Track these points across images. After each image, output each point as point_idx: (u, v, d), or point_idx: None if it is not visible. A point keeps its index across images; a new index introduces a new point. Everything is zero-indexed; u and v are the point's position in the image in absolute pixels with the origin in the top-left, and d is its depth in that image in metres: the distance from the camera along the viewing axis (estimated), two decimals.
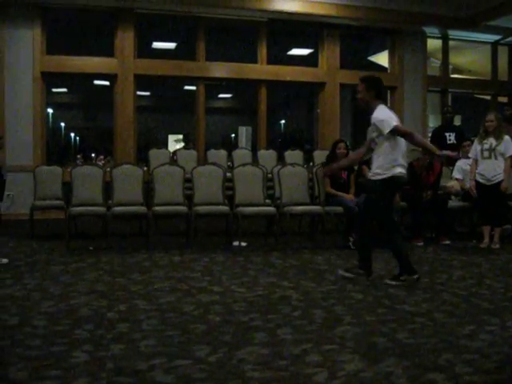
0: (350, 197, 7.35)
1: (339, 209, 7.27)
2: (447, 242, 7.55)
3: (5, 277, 5.41)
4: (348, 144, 7.96)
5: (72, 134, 21.63)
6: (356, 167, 7.86)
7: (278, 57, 12.03)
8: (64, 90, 18.74)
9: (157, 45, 12.77)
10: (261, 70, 10.98)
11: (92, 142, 19.07)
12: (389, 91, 11.65)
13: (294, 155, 9.78)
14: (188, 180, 7.58)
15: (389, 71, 11.82)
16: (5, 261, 5.98)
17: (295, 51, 13.31)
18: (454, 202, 8.06)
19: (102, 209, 7.17)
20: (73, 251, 6.78)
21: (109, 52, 10.34)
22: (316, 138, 11.67)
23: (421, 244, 7.45)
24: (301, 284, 5.18)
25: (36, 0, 9.63)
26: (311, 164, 9.54)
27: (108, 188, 7.45)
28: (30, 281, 5.27)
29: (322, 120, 11.38)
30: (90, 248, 6.97)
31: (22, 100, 9.80)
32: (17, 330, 3.80)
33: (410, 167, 7.95)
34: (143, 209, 7.17)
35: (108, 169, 7.93)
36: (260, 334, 3.70)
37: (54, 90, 17.37)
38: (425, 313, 4.22)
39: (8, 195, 9.52)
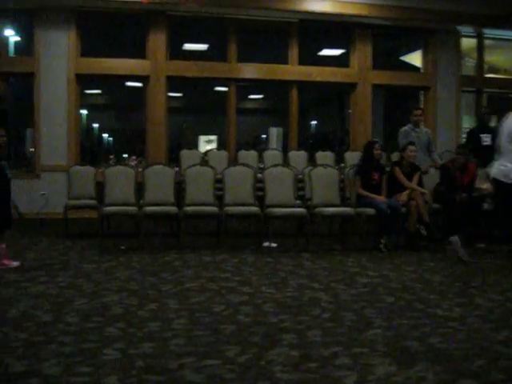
0: (382, 198, 7.28)
1: (371, 210, 7.20)
2: (482, 245, 7.40)
3: (39, 274, 5.51)
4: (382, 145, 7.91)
5: (105, 135, 21.90)
6: (388, 168, 7.79)
7: (309, 57, 11.97)
8: (98, 91, 19.00)
9: (188, 46, 12.83)
10: (292, 70, 10.96)
11: (125, 143, 19.26)
12: (422, 91, 11.51)
13: (324, 156, 9.73)
14: (219, 181, 7.61)
15: (422, 71, 11.68)
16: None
17: (326, 51, 13.23)
18: (488, 204, 7.90)
19: (133, 208, 7.24)
20: (105, 250, 6.87)
21: (141, 54, 10.44)
22: (347, 138, 11.59)
23: (453, 248, 7.30)
24: (331, 286, 5.15)
25: (71, 4, 9.79)
26: (342, 165, 9.48)
27: (140, 188, 7.52)
28: (63, 278, 5.36)
29: (353, 121, 11.30)
30: (122, 247, 7.05)
31: (57, 101, 9.96)
32: (50, 327, 3.86)
33: (444, 168, 7.86)
34: (174, 209, 7.22)
35: (140, 169, 8.00)
36: (289, 336, 3.68)
37: (88, 91, 17.61)
38: (458, 317, 4.15)
39: (42, 194, 9.71)
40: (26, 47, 10.49)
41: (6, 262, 5.84)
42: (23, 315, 4.15)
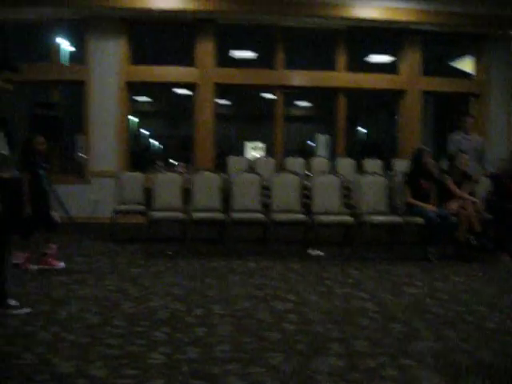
0: (431, 207, 7.13)
1: (420, 219, 7.06)
2: None
3: (88, 277, 5.62)
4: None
5: (154, 142, 22.26)
6: (438, 176, 7.63)
7: (357, 64, 11.87)
8: (147, 98, 19.32)
9: (236, 54, 12.92)
10: (339, 77, 10.88)
11: (173, 149, 19.50)
12: (473, 98, 11.25)
13: (372, 164, 9.62)
14: (266, 187, 7.60)
15: (474, 78, 11.42)
16: (61, 265, 6.14)
17: (374, 58, 13.09)
18: None
19: (181, 214, 7.31)
20: (152, 255, 6.95)
21: (190, 62, 10.57)
22: (396, 146, 11.43)
23: (507, 258, 7.09)
24: (378, 296, 5.07)
25: (121, 13, 10.00)
26: (391, 173, 9.34)
27: (187, 194, 7.59)
28: (111, 282, 5.45)
29: (402, 128, 11.13)
30: (169, 252, 7.12)
31: (107, 108, 10.18)
32: (98, 329, 3.93)
33: (496, 177, 7.65)
34: (221, 215, 7.25)
35: (188, 175, 8.08)
36: (335, 345, 3.64)
37: (138, 98, 17.93)
38: (509, 331, 4.02)
39: (92, 199, 9.91)
40: (78, 56, 10.78)
41: (53, 262, 6.00)
42: (72, 317, 4.23)
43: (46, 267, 5.96)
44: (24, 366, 3.26)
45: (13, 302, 4.32)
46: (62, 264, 6.09)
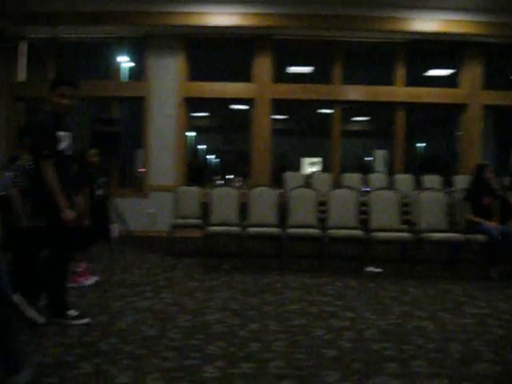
0: (493, 224, 6.91)
1: (481, 237, 6.85)
2: None
3: (145, 290, 5.70)
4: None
5: (211, 157, 22.54)
6: (500, 193, 7.40)
7: (416, 78, 11.70)
8: (205, 114, 19.62)
9: (293, 69, 12.97)
10: (398, 92, 10.75)
11: (230, 164, 19.70)
12: None
13: (432, 179, 9.43)
14: (322, 203, 7.56)
15: None
16: (85, 321, 4.90)
17: (434, 72, 12.87)
18: None
19: (237, 229, 7.34)
20: (208, 269, 7.00)
21: (247, 77, 10.67)
22: (457, 162, 11.16)
23: None
24: (437, 315, 4.93)
25: (180, 31, 10.22)
26: (451, 189, 9.12)
27: (244, 209, 7.62)
28: (167, 295, 5.51)
29: (462, 143, 10.87)
30: (225, 267, 7.15)
31: (166, 124, 10.39)
32: (154, 341, 3.97)
33: None
34: (277, 230, 7.24)
35: (244, 190, 8.12)
36: (392, 364, 3.56)
37: (196, 114, 18.22)
38: None
39: (150, 213, 10.10)
40: (137, 72, 11.07)
41: (79, 279, 5.86)
42: (129, 328, 4.30)
43: (74, 285, 5.69)
44: (82, 375, 3.32)
45: (73, 313, 4.43)
46: (92, 280, 5.98)
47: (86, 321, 4.43)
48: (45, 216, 4.45)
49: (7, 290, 2.94)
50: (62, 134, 4.35)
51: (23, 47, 10.66)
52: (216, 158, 22.65)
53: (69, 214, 4.26)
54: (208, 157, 22.42)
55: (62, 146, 4.35)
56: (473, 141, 10.72)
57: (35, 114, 11.03)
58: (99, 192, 6.45)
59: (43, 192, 4.28)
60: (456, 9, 9.79)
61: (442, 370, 3.48)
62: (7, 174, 5.38)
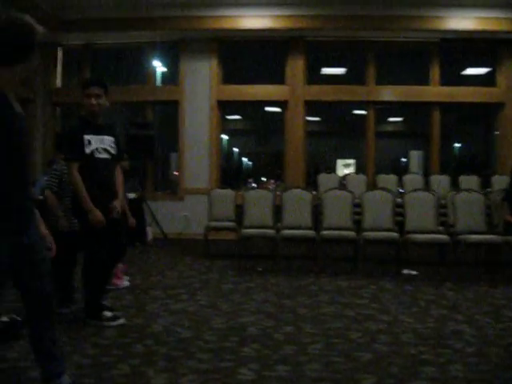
0: None
1: None
2: None
3: (180, 292, 5.74)
4: None
5: (245, 159, 22.61)
6: None
7: (452, 77, 11.52)
8: (238, 117, 19.69)
9: (326, 70, 12.92)
10: (433, 91, 10.60)
11: (263, 167, 19.73)
12: None
13: (469, 180, 9.26)
14: (357, 205, 7.49)
15: None
16: (120, 322, 4.77)
17: (470, 71, 12.66)
18: None
19: (271, 231, 7.34)
20: (243, 271, 7.01)
21: (280, 79, 10.67)
22: (494, 162, 10.94)
23: None
24: (475, 319, 4.83)
25: (212, 34, 10.28)
26: (489, 190, 8.95)
27: (278, 211, 7.61)
28: (202, 297, 5.54)
29: (501, 142, 10.65)
30: (259, 269, 7.15)
31: (199, 127, 10.46)
32: (189, 343, 3.99)
33: None
34: (311, 232, 7.21)
35: (278, 192, 8.11)
36: (429, 369, 3.50)
37: (229, 117, 18.30)
38: None
39: (185, 216, 10.18)
40: (171, 76, 11.18)
41: (116, 281, 5.90)
42: (165, 330, 4.33)
43: (111, 287, 5.68)
44: (119, 376, 3.36)
45: (108, 314, 4.48)
46: (126, 283, 6.02)
47: (121, 322, 4.47)
48: (77, 218, 4.57)
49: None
50: (89, 137, 4.39)
51: (59, 54, 10.87)
52: (249, 160, 22.71)
53: (96, 216, 4.30)
54: (242, 159, 22.50)
55: (89, 149, 4.38)
56: (511, 140, 10.50)
57: (70, 119, 11.26)
58: (131, 195, 6.52)
59: (73, 194, 4.45)
60: (491, 6, 9.60)
61: (481, 374, 3.41)
62: (45, 178, 5.48)
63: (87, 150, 4.38)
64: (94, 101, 4.41)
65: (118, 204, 4.54)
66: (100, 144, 4.45)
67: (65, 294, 4.94)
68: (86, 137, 4.39)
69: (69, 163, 4.43)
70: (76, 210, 4.48)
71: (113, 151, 4.53)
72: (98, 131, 4.47)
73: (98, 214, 4.30)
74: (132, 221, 6.07)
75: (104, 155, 4.47)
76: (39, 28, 2.68)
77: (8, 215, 2.58)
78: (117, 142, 4.62)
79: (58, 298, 4.89)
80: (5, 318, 4.10)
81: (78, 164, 4.35)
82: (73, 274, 5.06)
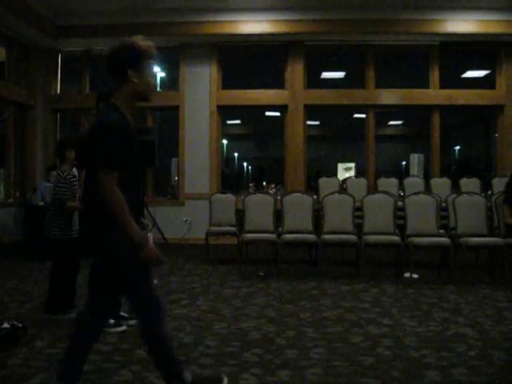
0: None
1: None
2: None
3: (181, 297, 5.73)
4: None
5: (245, 164, 22.62)
6: None
7: (452, 80, 11.52)
8: (238, 121, 19.70)
9: (326, 75, 12.93)
10: (433, 94, 10.61)
11: (263, 171, 19.75)
12: None
13: (469, 183, 9.26)
14: (358, 209, 7.48)
15: None
16: (122, 328, 4.73)
17: (470, 73, 12.66)
18: None
19: (272, 236, 7.33)
20: (244, 276, 7.00)
21: (279, 84, 10.68)
22: (495, 164, 10.94)
23: None
24: (477, 321, 4.82)
25: (212, 40, 10.29)
26: (489, 192, 8.94)
27: (279, 215, 7.60)
28: (203, 302, 5.53)
29: (501, 145, 10.65)
30: (261, 273, 7.14)
31: (199, 132, 10.47)
32: (191, 348, 3.98)
33: None
34: (312, 237, 7.20)
35: (279, 197, 8.10)
36: (432, 372, 3.49)
37: (229, 122, 18.32)
38: None
39: (185, 221, 10.18)
40: (171, 82, 11.19)
41: None
42: None
43: None
44: (121, 382, 3.35)
45: (110, 321, 4.47)
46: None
47: (123, 328, 4.47)
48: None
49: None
50: None
51: (58, 60, 10.88)
52: (249, 165, 22.74)
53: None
54: (242, 164, 22.52)
55: None
56: (511, 142, 10.50)
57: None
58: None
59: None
60: (490, 9, 9.62)
61: (484, 377, 3.40)
62: (47, 184, 5.49)
63: None
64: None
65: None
66: None
67: (66, 299, 4.95)
68: None
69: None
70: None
71: None
72: None
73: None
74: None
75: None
76: (150, 43, 3.16)
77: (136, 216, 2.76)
78: None
79: (58, 303, 4.91)
80: (6, 325, 4.09)
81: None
82: (75, 280, 5.06)
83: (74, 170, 5.20)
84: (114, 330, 4.42)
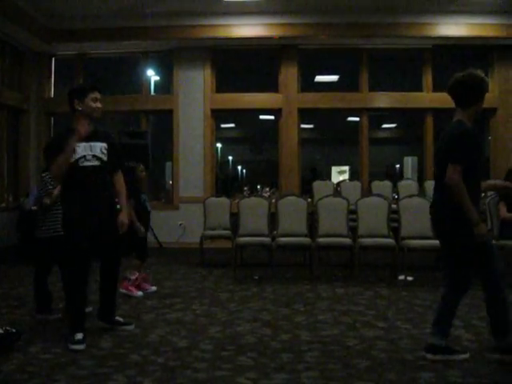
0: None
1: None
2: None
3: (176, 301, 5.72)
4: None
5: (239, 167, 22.63)
6: None
7: (445, 83, 11.55)
8: (232, 125, 19.72)
9: (320, 78, 12.96)
10: (426, 98, 10.64)
11: (258, 174, 19.76)
12: None
13: None
14: (352, 211, 7.49)
15: None
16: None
17: None
18: None
19: (267, 239, 7.32)
20: (239, 279, 6.99)
21: (273, 88, 10.69)
22: (488, 166, 10.97)
23: None
24: (473, 323, 4.83)
25: (206, 43, 10.30)
26: (483, 194, 8.95)
27: (273, 219, 7.60)
28: (198, 306, 5.52)
29: (494, 148, 10.69)
30: (255, 277, 7.14)
31: (194, 136, 10.46)
32: (186, 353, 3.97)
33: None
34: (307, 240, 7.20)
35: (273, 200, 8.10)
36: (427, 375, 3.49)
37: (223, 125, 18.33)
38: None
39: (180, 224, 10.17)
40: (165, 86, 11.18)
41: (131, 288, 6.04)
42: (161, 340, 4.31)
43: (124, 291, 5.96)
44: None
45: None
46: (139, 293, 6.05)
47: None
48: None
49: None
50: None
51: (51, 64, 10.86)
52: (243, 168, 22.75)
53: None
54: (236, 167, 22.53)
55: (74, 157, 4.28)
56: (504, 144, 10.54)
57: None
58: (149, 207, 6.58)
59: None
60: (483, 12, 9.66)
61: (479, 379, 3.41)
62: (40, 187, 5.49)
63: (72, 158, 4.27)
64: (99, 104, 4.44)
65: (123, 217, 4.48)
66: (86, 151, 4.34)
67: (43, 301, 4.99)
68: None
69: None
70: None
71: (104, 157, 4.40)
72: (87, 138, 4.37)
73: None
74: (142, 231, 6.12)
75: (93, 162, 4.35)
76: (486, 79, 4.13)
77: None
78: (111, 149, 4.48)
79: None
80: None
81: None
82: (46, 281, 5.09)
83: None
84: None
